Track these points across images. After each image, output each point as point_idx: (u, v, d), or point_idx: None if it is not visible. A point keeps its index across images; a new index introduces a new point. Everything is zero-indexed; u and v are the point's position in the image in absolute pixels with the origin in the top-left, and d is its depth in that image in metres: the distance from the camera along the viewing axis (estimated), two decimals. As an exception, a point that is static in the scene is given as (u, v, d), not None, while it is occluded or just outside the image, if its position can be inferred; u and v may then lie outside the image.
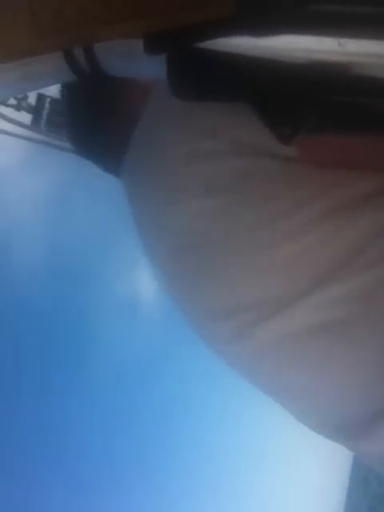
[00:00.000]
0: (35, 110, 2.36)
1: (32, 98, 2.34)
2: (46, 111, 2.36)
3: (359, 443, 1.05)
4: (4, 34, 1.08)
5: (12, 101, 2.33)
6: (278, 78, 1.13)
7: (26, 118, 2.41)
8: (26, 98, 2.32)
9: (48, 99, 2.34)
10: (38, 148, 2.54)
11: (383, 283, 0.99)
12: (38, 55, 1.15)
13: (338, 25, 1.06)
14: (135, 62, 1.24)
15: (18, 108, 2.33)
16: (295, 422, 1.15)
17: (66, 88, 1.43)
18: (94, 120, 1.42)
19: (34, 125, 2.39)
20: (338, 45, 1.05)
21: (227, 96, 1.19)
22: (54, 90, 2.27)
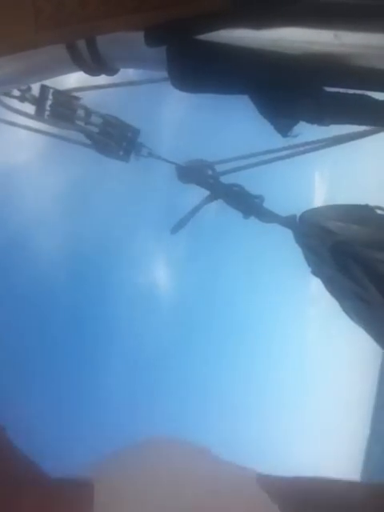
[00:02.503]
0: (38, 102, 2.44)
1: (35, 90, 2.42)
2: (49, 102, 2.44)
3: None
4: (8, 27, 1.16)
5: (16, 92, 2.42)
6: (276, 70, 1.20)
7: (29, 109, 2.49)
8: (29, 89, 2.40)
9: (51, 91, 2.41)
10: (41, 138, 2.63)
11: None
12: (41, 47, 1.23)
13: (334, 17, 1.13)
14: (136, 54, 1.32)
15: (21, 99, 2.41)
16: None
17: None
18: None
19: (38, 116, 2.47)
20: (334, 37, 1.12)
21: (227, 87, 1.27)
22: (57, 82, 2.35)
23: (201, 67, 1.24)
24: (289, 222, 2.37)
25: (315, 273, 2.37)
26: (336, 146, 2.22)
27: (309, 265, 2.39)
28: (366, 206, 2.18)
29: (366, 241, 2.09)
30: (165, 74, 1.31)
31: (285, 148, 2.36)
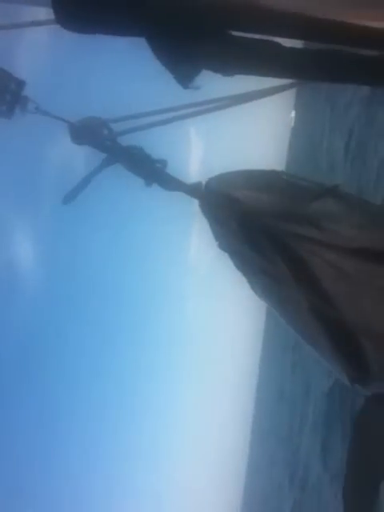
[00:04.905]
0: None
1: None
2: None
3: None
4: None
5: None
6: (175, 9, 1.19)
7: None
8: None
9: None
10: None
11: None
12: None
13: None
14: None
15: None
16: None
17: None
18: None
19: None
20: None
21: (121, 28, 1.25)
22: None
23: (91, 3, 1.22)
24: (195, 191, 2.36)
25: (222, 247, 2.39)
26: (245, 103, 2.24)
27: (215, 238, 2.40)
28: (273, 172, 2.22)
29: (274, 211, 2.13)
30: (50, 12, 1.27)
31: (189, 105, 2.36)
